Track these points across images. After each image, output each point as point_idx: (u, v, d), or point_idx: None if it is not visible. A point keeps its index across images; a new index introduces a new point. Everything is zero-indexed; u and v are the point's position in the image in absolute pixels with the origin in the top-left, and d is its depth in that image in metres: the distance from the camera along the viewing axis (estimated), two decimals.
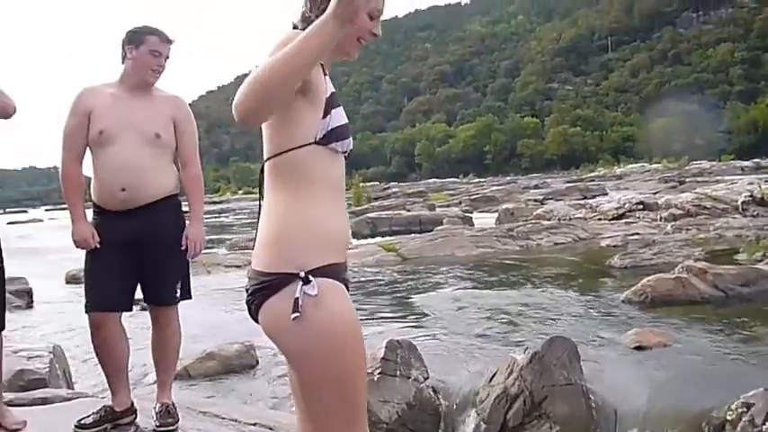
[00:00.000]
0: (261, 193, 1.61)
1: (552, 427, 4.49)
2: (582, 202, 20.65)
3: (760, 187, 16.33)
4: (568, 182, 37.71)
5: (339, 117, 1.50)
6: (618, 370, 5.16)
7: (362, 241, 15.51)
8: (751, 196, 15.64)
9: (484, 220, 18.86)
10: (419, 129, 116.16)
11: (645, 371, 5.09)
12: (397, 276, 10.51)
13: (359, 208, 25.23)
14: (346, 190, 1.63)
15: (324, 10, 1.37)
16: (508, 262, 11.27)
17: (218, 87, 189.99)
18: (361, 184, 34.50)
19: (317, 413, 1.45)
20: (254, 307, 1.49)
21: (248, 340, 6.27)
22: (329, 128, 1.47)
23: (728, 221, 13.78)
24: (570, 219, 16.37)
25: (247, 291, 1.51)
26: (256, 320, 1.51)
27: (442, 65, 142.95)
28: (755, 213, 14.74)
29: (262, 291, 1.45)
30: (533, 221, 15.56)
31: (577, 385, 4.74)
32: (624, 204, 16.97)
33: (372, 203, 28.16)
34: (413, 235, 14.67)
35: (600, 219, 16.28)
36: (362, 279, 10.38)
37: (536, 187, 34.90)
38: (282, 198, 1.49)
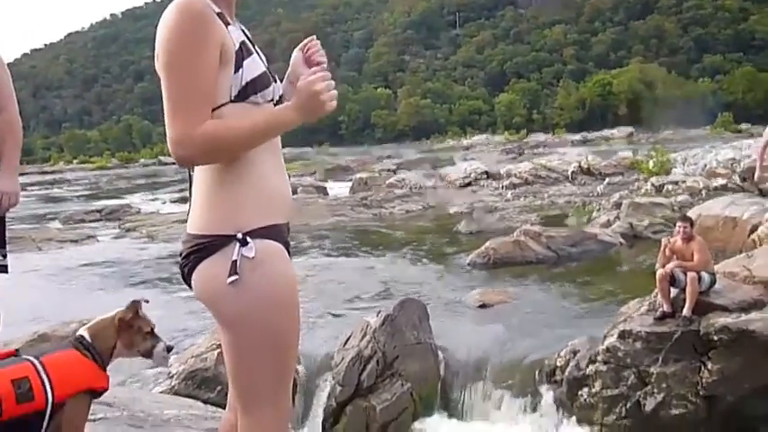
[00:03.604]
0: None
1: (404, 385, 4.68)
2: (432, 171, 21.49)
3: (587, 158, 18.01)
4: (420, 152, 39.03)
5: (254, 67, 1.40)
6: (463, 327, 5.49)
7: None
8: (579, 166, 17.21)
9: (338, 189, 19.01)
10: None
11: (487, 327, 5.46)
12: None
13: None
14: None
15: None
16: (362, 230, 11.48)
17: (46, 45, 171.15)
18: None
19: (246, 376, 1.42)
20: (186, 270, 1.40)
21: (87, 318, 5.85)
22: (243, 82, 1.37)
23: (560, 189, 15.08)
24: (421, 187, 16.99)
25: (181, 254, 1.42)
26: (189, 285, 1.42)
27: (295, 32, 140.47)
28: (583, 182, 16.25)
29: (196, 253, 1.37)
30: (386, 190, 15.96)
31: (427, 344, 4.98)
32: (470, 174, 17.91)
33: None
34: None
35: (448, 187, 17.06)
36: None
37: (389, 157, 35.68)
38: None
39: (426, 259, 8.51)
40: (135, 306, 1.98)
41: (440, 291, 6.75)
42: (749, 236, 6.98)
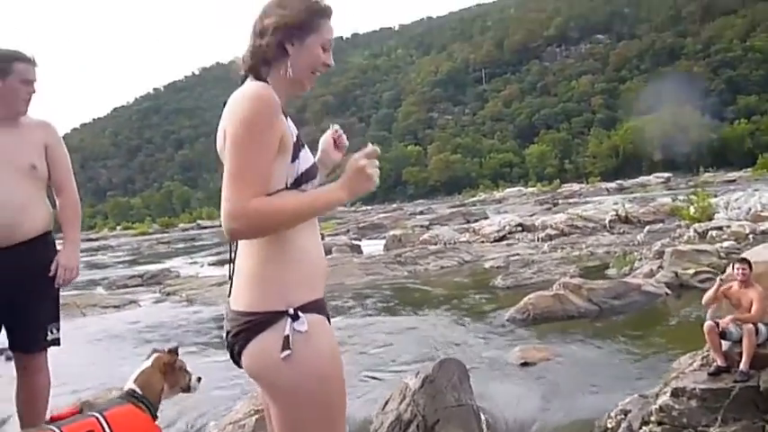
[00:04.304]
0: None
1: None
2: (465, 225, 21.40)
3: (623, 207, 17.74)
4: (452, 207, 39.02)
5: (307, 159, 1.52)
6: (506, 387, 5.30)
7: None
8: (616, 215, 16.92)
9: (372, 247, 19.00)
10: None
11: (531, 386, 5.26)
12: None
13: None
14: None
15: (280, 40, 1.48)
16: (397, 288, 11.38)
17: (94, 119, 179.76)
18: None
19: None
20: (237, 348, 1.45)
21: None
22: (299, 172, 1.49)
23: (598, 239, 14.78)
24: (455, 242, 16.86)
25: (228, 333, 1.48)
26: (237, 362, 1.48)
27: (326, 96, 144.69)
28: (621, 231, 15.93)
29: (246, 331, 1.42)
30: (420, 247, 15.88)
31: (468, 406, 4.80)
32: (504, 227, 17.75)
33: None
34: None
35: (483, 241, 16.91)
36: None
37: (421, 213, 35.79)
38: (264, 241, 1.46)
39: (464, 316, 8.34)
40: (176, 350, 2.29)
41: (479, 349, 6.57)
42: None
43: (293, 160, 1.47)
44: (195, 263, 21.12)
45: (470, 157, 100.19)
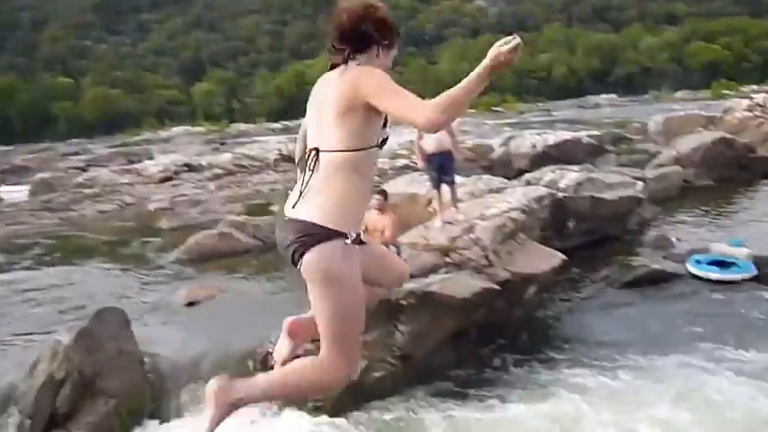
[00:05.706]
0: (309, 167, 1.94)
1: (108, 402, 4.30)
2: (128, 167, 19.97)
3: (287, 146, 18.65)
4: (112, 147, 35.90)
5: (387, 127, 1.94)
6: (171, 329, 5.26)
7: None
8: (280, 154, 17.72)
9: (15, 193, 16.51)
10: None
11: (196, 325, 5.32)
12: None
13: None
14: None
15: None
16: (49, 237, 10.18)
17: None
18: None
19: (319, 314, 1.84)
20: (302, 247, 1.78)
21: None
22: (386, 135, 1.92)
23: (263, 177, 15.34)
24: (115, 185, 15.68)
25: (297, 232, 1.80)
26: (294, 260, 1.78)
27: None
28: (285, 169, 16.79)
29: (314, 236, 1.78)
30: (74, 191, 14.39)
31: (131, 354, 4.64)
32: (170, 167, 17.13)
33: None
34: None
35: (147, 183, 16.06)
36: None
37: (76, 154, 32.16)
38: (345, 181, 1.85)
39: (127, 262, 7.93)
40: None
41: (144, 294, 6.36)
42: (427, 208, 7.98)
43: (384, 126, 1.89)
44: None
45: (132, 92, 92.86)
